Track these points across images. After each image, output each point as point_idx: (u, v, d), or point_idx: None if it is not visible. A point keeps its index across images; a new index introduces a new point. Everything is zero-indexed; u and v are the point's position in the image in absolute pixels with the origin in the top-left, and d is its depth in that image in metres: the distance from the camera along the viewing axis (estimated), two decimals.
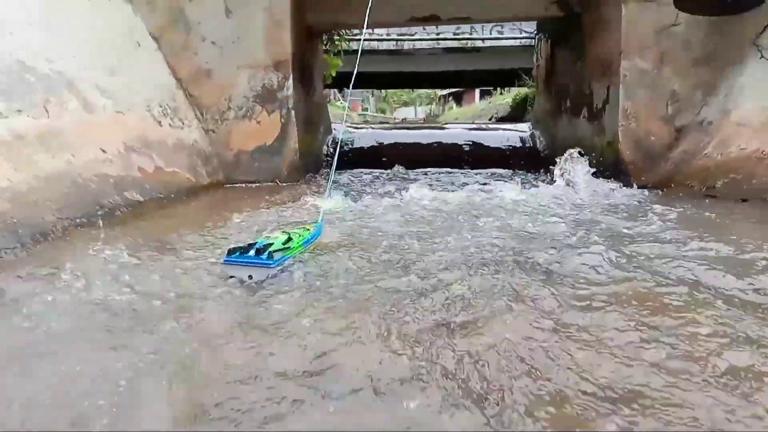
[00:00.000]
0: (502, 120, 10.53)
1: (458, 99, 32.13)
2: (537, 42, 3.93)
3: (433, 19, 3.31)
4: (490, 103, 19.13)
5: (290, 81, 2.67)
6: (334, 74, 4.03)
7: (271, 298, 1.00)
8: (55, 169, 1.55)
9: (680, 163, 2.44)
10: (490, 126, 4.74)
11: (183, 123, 2.47)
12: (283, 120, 2.67)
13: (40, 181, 1.46)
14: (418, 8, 3.28)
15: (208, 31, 2.60)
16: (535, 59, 4.13)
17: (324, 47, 3.85)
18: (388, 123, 12.37)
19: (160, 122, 2.32)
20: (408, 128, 4.56)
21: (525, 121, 5.87)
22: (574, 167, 2.45)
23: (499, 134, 3.96)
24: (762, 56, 2.38)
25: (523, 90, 7.68)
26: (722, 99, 2.44)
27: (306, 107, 3.17)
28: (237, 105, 2.64)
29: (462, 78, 11.48)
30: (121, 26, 2.41)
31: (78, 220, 1.45)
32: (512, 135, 3.95)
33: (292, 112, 2.67)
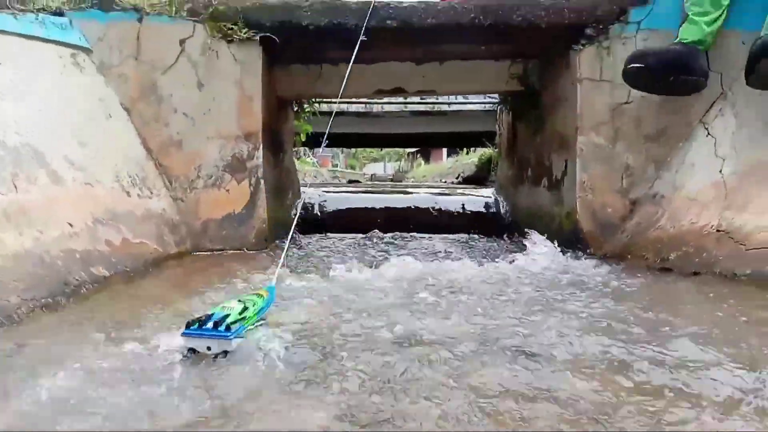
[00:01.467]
0: (467, 180, 10.78)
1: (426, 156, 32.67)
2: (499, 112, 4.09)
3: (399, 92, 3.43)
4: (456, 161, 19.54)
5: (260, 151, 2.73)
6: (304, 139, 4.11)
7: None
8: (23, 247, 1.55)
9: (635, 234, 2.54)
10: (456, 189, 4.85)
11: (152, 192, 2.49)
12: (252, 188, 2.71)
13: (6, 260, 1.46)
14: (384, 81, 3.40)
15: (179, 103, 2.65)
16: (497, 127, 4.29)
17: (294, 113, 3.94)
18: (359, 182, 12.55)
19: (128, 192, 2.33)
20: (377, 192, 4.63)
21: (490, 182, 6.02)
22: (534, 241, 2.53)
23: (464, 199, 4.06)
24: (708, 134, 2.53)
25: (488, 151, 7.91)
26: (673, 174, 2.57)
27: (276, 174, 3.22)
28: (206, 174, 2.68)
29: (429, 139, 11.78)
30: (92, 97, 2.46)
31: (43, 300, 1.44)
32: (477, 200, 4.05)
33: (261, 181, 2.72)
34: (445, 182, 16.56)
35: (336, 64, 3.27)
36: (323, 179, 21.73)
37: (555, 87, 3.03)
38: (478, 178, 9.36)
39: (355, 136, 11.42)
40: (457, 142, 13.50)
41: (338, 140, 12.19)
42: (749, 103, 2.40)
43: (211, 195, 2.67)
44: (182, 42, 2.63)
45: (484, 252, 2.94)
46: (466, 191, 4.56)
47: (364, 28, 2.59)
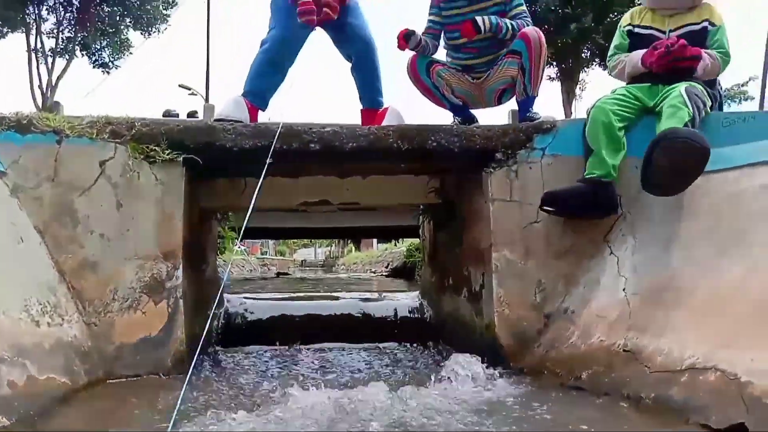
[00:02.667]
0: (396, 272, 10.92)
1: (357, 242, 32.88)
2: (421, 221, 4.24)
3: (324, 203, 3.52)
4: (386, 249, 19.82)
5: (179, 270, 2.69)
6: (228, 245, 4.10)
7: None
8: None
9: (550, 349, 2.63)
10: (383, 293, 4.89)
11: (63, 319, 2.40)
12: (170, 309, 2.65)
13: None
14: (310, 193, 3.49)
15: (96, 224, 2.61)
16: (420, 233, 4.41)
17: (219, 221, 3.94)
18: (287, 274, 12.46)
19: (38, 322, 2.24)
20: (304, 298, 4.62)
21: (417, 276, 6.10)
22: (457, 360, 2.57)
23: (391, 304, 4.10)
24: (611, 252, 2.71)
25: (416, 241, 8.11)
26: (582, 290, 2.71)
27: (197, 288, 3.17)
28: (122, 296, 2.61)
29: (358, 232, 11.96)
30: (2, 222, 2.39)
31: None
32: (402, 305, 4.10)
33: (180, 301, 2.67)
34: (375, 272, 16.72)
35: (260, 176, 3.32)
36: (251, 268, 21.43)
37: (471, 203, 3.18)
38: (406, 270, 9.52)
39: (283, 229, 11.44)
40: (385, 235, 13.74)
41: (267, 233, 12.15)
42: (647, 226, 2.61)
43: (126, 318, 2.59)
44: (102, 163, 2.63)
45: (406, 368, 2.95)
46: (393, 294, 4.61)
47: (271, 152, 2.64)
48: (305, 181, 3.48)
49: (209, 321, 3.36)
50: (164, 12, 11.25)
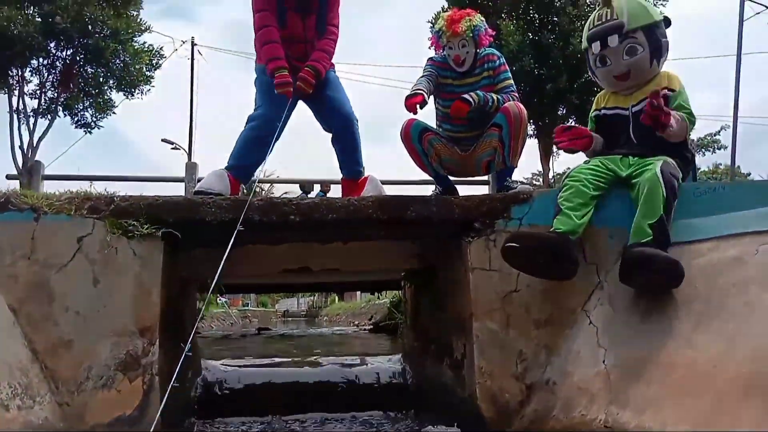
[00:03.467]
0: (379, 326, 10.80)
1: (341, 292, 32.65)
2: (403, 285, 4.24)
3: (305, 270, 3.52)
4: (369, 300, 19.64)
5: (156, 346, 2.65)
6: (209, 309, 4.04)
7: None
8: None
9: (534, 421, 2.61)
10: (366, 356, 4.84)
11: (34, 401, 2.34)
12: (145, 386, 2.60)
13: None
14: (290, 261, 3.48)
15: (72, 301, 2.58)
16: (402, 295, 4.40)
17: (200, 288, 3.90)
18: (269, 329, 12.27)
19: (7, 406, 2.17)
20: (284, 365, 4.54)
21: (398, 336, 6.04)
22: None
23: (373, 370, 4.05)
24: (591, 322, 2.72)
25: (399, 294, 8.07)
26: (563, 360, 2.71)
27: (174, 359, 3.11)
28: (96, 374, 2.55)
29: (338, 287, 11.90)
30: None
31: None
32: (384, 370, 4.06)
33: (156, 378, 2.62)
34: (358, 325, 16.51)
35: (242, 245, 3.32)
36: (232, 321, 21.08)
37: (451, 271, 3.20)
38: (389, 326, 9.41)
39: (265, 285, 11.35)
40: (369, 288, 13.65)
41: (249, 288, 12.02)
42: (625, 296, 2.63)
43: (100, 397, 2.53)
44: (80, 240, 2.61)
45: None
46: (375, 359, 4.57)
47: (250, 222, 2.65)
48: (285, 249, 3.47)
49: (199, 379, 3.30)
50: (147, 74, 11.38)
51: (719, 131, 28.11)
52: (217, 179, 2.93)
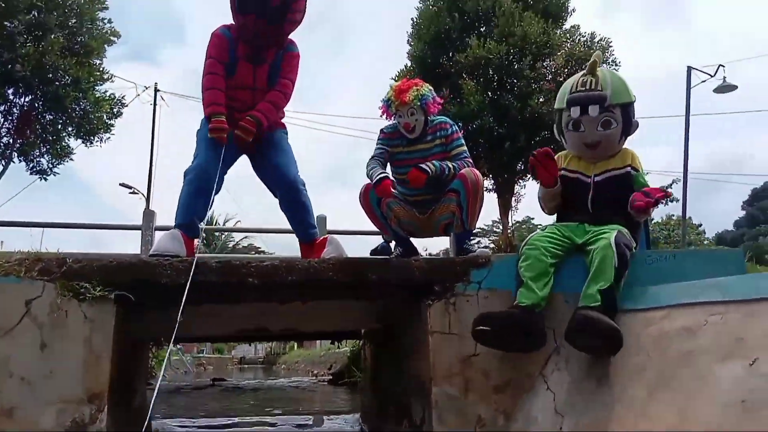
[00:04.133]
0: (338, 377, 10.57)
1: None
2: (363, 344, 4.20)
3: (262, 331, 3.46)
4: (329, 349, 19.30)
5: (104, 413, 2.55)
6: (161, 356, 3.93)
7: None
8: None
9: None
10: (323, 417, 4.73)
11: None
12: None
13: None
14: (247, 321, 3.42)
15: (17, 366, 2.47)
16: (362, 354, 4.35)
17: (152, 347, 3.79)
18: (224, 379, 11.88)
19: None
20: (241, 425, 4.41)
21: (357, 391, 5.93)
22: None
23: (330, 431, 3.97)
24: (548, 387, 2.73)
25: (359, 343, 7.95)
26: (521, 426, 2.70)
27: (123, 423, 3.00)
28: None
29: (300, 335, 11.68)
30: None
31: None
32: None
33: None
34: (316, 375, 16.15)
35: (197, 305, 3.25)
36: (186, 369, 20.35)
37: (411, 331, 3.19)
38: (348, 378, 9.22)
39: (221, 336, 11.10)
40: (328, 337, 13.46)
41: (206, 338, 11.74)
42: (581, 361, 2.66)
43: None
44: (28, 303, 2.53)
45: None
46: (333, 420, 4.47)
47: (189, 281, 2.61)
48: (243, 309, 3.41)
49: None
50: (108, 122, 11.25)
51: (671, 184, 29.24)
52: (172, 240, 2.88)
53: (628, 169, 2.97)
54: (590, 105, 2.94)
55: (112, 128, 11.27)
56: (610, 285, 2.51)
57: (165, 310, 3.27)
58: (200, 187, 3.01)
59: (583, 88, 3.00)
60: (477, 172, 3.18)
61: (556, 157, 3.25)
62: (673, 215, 29.71)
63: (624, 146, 3.08)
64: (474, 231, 3.35)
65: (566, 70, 10.01)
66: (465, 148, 3.27)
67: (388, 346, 3.63)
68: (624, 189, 2.93)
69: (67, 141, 10.99)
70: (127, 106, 11.24)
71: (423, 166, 3.04)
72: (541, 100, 9.31)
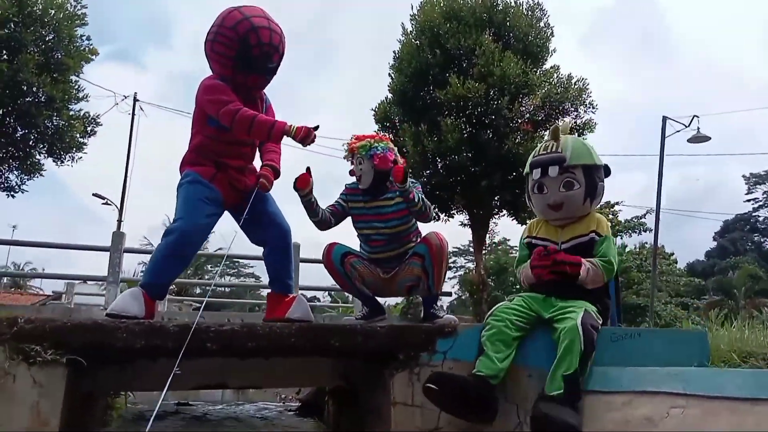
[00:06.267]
0: (306, 406, 10.39)
1: None
2: (327, 399, 4.11)
3: (221, 387, 3.37)
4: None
5: None
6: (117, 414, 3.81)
7: None
8: None
9: None
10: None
11: None
12: None
13: None
14: (206, 376, 3.33)
15: None
16: (326, 410, 4.26)
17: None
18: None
19: None
20: None
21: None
22: None
23: None
24: None
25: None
26: None
27: None
28: None
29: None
30: None
31: None
32: None
33: None
34: (284, 401, 15.95)
35: (153, 359, 3.16)
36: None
37: (374, 399, 3.13)
38: (316, 406, 9.07)
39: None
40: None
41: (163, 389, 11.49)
42: None
43: None
44: None
45: None
46: None
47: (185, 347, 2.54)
48: (203, 363, 3.32)
49: None
50: (81, 140, 11.05)
51: (645, 215, 29.78)
52: (131, 301, 2.78)
53: (592, 235, 2.97)
54: (550, 166, 3.00)
55: (84, 147, 11.09)
56: (574, 371, 2.49)
57: (120, 365, 3.19)
58: (181, 254, 2.93)
59: (545, 152, 3.08)
60: (441, 235, 3.17)
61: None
62: (647, 243, 30.15)
63: (592, 210, 3.09)
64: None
65: (543, 111, 10.13)
66: (420, 191, 3.26)
67: (351, 406, 3.56)
68: (589, 255, 2.93)
69: (37, 158, 10.76)
70: (101, 125, 11.07)
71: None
72: (517, 140, 9.39)
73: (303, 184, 3.15)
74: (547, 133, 10.22)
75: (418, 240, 3.32)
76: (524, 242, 3.18)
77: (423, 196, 3.24)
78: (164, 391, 2.32)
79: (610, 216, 28.38)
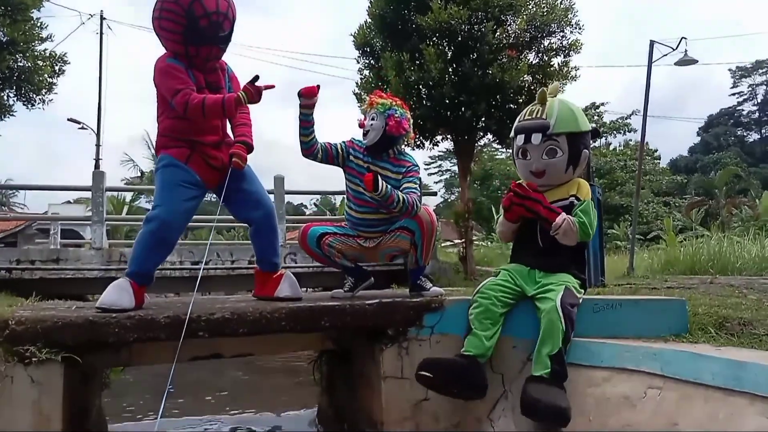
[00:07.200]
0: None
1: None
2: (319, 360, 4.21)
3: (216, 357, 3.45)
4: None
5: None
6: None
7: None
8: None
9: None
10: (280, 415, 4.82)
11: None
12: None
13: None
14: (200, 349, 3.40)
15: None
16: (318, 371, 4.36)
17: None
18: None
19: None
20: None
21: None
22: None
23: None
24: (494, 430, 2.83)
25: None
26: None
27: None
28: None
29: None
30: None
31: None
32: None
33: None
34: None
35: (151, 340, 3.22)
36: None
37: (365, 370, 3.24)
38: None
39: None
40: None
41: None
42: None
43: None
44: None
45: None
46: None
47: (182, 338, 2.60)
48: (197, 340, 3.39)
49: None
50: (50, 81, 10.64)
51: (630, 115, 29.78)
52: (120, 293, 2.79)
53: (572, 199, 2.98)
54: (534, 133, 2.98)
55: (55, 87, 10.71)
56: (558, 350, 2.57)
57: (117, 348, 3.24)
58: (163, 241, 2.92)
59: (530, 117, 3.05)
60: (430, 211, 3.18)
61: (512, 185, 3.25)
62: (631, 141, 30.30)
63: (575, 176, 3.08)
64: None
65: (528, 33, 9.84)
66: (416, 186, 3.22)
67: (343, 370, 3.68)
68: None
69: (5, 101, 10.40)
70: (69, 63, 10.61)
71: (379, 180, 2.99)
72: (503, 66, 9.16)
73: (308, 93, 3.07)
74: (532, 55, 9.86)
75: None
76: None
77: (407, 196, 3.14)
78: (164, 396, 2.39)
79: (595, 117, 28.49)
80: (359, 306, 2.98)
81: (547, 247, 2.95)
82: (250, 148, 3.16)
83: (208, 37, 2.91)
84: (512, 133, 3.16)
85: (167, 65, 2.92)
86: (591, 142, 3.22)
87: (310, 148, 3.22)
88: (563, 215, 2.85)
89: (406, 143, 3.37)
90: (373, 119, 3.24)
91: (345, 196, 3.50)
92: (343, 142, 3.36)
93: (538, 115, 3.01)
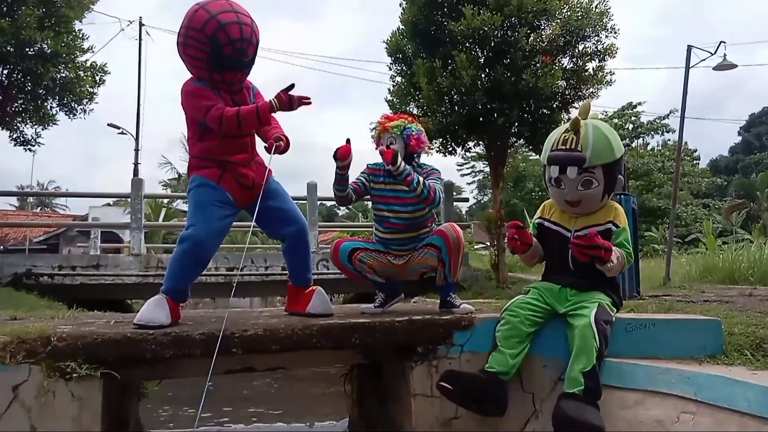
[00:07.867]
0: None
1: None
2: (350, 373, 4.24)
3: (249, 371, 3.51)
4: None
5: None
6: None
7: None
8: None
9: None
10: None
11: None
12: None
13: None
14: (233, 363, 3.46)
15: None
16: (350, 385, 4.38)
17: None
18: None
19: None
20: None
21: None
22: None
23: None
24: None
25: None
26: None
27: None
28: None
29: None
30: None
31: None
32: None
33: None
34: None
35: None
36: None
37: (395, 386, 3.25)
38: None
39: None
40: None
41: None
42: None
43: None
44: (15, 388, 2.56)
45: None
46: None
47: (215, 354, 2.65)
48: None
49: None
50: (91, 90, 10.94)
51: (668, 115, 28.98)
52: (156, 310, 2.87)
53: (609, 225, 2.93)
54: (569, 166, 2.86)
55: (95, 97, 11.01)
56: (592, 367, 2.54)
57: (153, 362, 3.33)
58: (197, 259, 2.99)
59: (564, 147, 2.90)
60: (457, 227, 3.19)
61: (542, 206, 3.23)
62: (669, 141, 29.44)
63: (609, 201, 3.04)
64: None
65: (563, 37, 9.73)
66: (439, 183, 3.24)
67: (374, 383, 3.70)
68: None
69: (48, 110, 10.74)
70: (110, 73, 10.89)
71: (398, 156, 3.11)
72: (537, 72, 9.08)
73: (344, 156, 3.13)
74: (566, 60, 9.70)
75: (433, 226, 3.34)
76: (536, 222, 3.16)
77: (428, 182, 3.17)
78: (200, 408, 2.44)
79: (632, 118, 27.86)
80: (389, 323, 3.01)
81: (579, 270, 2.91)
82: (287, 141, 3.12)
83: (233, 64, 2.96)
84: (544, 160, 3.08)
85: (195, 87, 2.99)
86: (625, 159, 3.17)
87: (346, 200, 3.35)
88: (616, 252, 2.72)
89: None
90: (391, 143, 3.27)
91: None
92: (363, 173, 3.42)
93: (572, 145, 2.87)
